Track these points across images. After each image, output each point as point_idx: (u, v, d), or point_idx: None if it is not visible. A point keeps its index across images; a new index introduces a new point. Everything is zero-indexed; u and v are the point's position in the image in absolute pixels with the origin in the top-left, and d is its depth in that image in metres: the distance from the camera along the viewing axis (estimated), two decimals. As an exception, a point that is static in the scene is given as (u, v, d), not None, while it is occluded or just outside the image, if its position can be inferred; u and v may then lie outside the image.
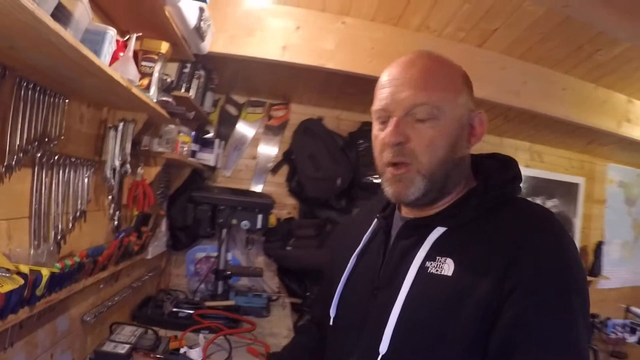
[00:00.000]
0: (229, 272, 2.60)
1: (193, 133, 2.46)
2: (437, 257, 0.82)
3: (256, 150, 3.16)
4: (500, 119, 3.19)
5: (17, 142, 1.15)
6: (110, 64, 1.30)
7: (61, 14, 0.95)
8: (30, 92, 1.17)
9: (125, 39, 1.42)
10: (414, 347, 0.79)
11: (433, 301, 0.79)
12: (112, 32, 1.18)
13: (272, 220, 2.82)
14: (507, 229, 0.79)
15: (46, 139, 1.30)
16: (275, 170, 3.17)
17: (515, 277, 0.73)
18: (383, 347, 0.81)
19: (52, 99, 1.30)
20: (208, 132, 2.93)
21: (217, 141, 2.78)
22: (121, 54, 1.38)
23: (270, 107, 3.19)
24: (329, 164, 3.01)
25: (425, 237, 0.85)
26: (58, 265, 1.30)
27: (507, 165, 0.90)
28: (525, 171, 3.69)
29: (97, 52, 1.14)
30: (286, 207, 3.17)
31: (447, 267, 0.80)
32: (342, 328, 0.96)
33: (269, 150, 3.18)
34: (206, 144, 2.73)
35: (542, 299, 0.72)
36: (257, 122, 3.17)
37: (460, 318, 0.75)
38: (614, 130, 2.91)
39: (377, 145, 0.90)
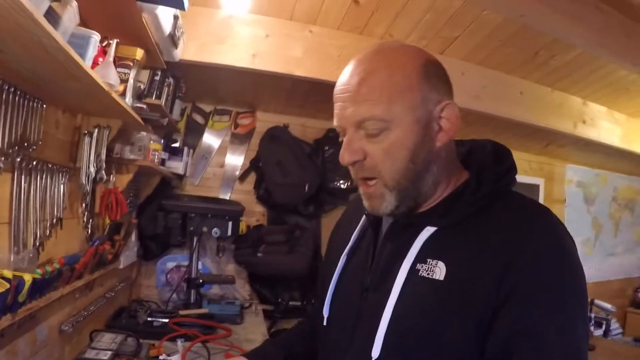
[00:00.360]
0: (201, 280, 2.60)
1: (162, 141, 2.45)
2: (428, 260, 0.78)
3: (223, 158, 3.17)
4: (462, 123, 3.31)
5: (-1, 146, 1.15)
6: (92, 68, 1.31)
7: (51, 17, 0.96)
8: (11, 95, 1.17)
9: (104, 44, 1.43)
10: (407, 353, 0.77)
11: (425, 307, 0.76)
12: (96, 37, 1.19)
13: (242, 227, 2.84)
14: (503, 229, 0.76)
15: (25, 144, 1.30)
16: (242, 178, 3.19)
17: (513, 280, 0.71)
18: (375, 352, 0.78)
19: (31, 104, 1.30)
20: (175, 141, 2.93)
21: (185, 149, 2.78)
22: (100, 59, 1.39)
23: (237, 116, 3.22)
24: (297, 171, 3.05)
25: (415, 238, 0.81)
26: (39, 271, 1.29)
27: (501, 156, 0.86)
28: (485, 174, 3.86)
29: (82, 56, 1.15)
30: (255, 214, 3.19)
31: (439, 270, 0.76)
32: (334, 329, 0.94)
33: (236, 158, 3.20)
34: (175, 152, 2.73)
35: (542, 303, 0.70)
36: (224, 130, 3.19)
37: (454, 324, 0.73)
38: (571, 131, 3.09)
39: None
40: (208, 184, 3.13)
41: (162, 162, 2.49)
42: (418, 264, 0.79)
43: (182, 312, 2.31)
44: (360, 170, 0.82)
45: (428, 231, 0.81)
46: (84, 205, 1.78)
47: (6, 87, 1.14)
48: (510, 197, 0.82)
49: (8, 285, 1.09)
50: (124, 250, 2.25)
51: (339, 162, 0.84)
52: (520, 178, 3.42)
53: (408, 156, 0.79)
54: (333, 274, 0.96)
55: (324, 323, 0.96)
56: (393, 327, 0.78)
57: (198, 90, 2.89)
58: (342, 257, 0.96)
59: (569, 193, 4.36)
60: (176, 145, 2.91)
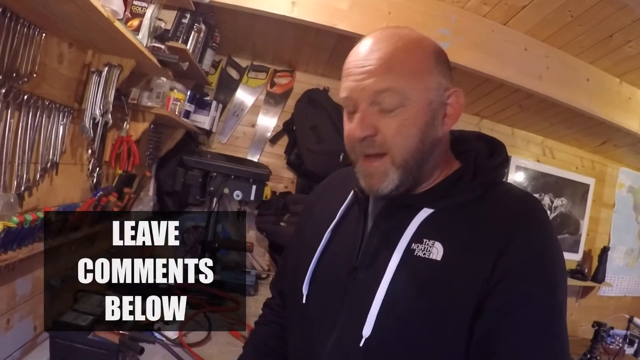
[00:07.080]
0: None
1: (189, 92, 2.27)
2: (425, 240, 0.79)
3: (256, 118, 2.97)
4: (515, 108, 3.00)
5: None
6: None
7: None
8: (-1, 17, 1.00)
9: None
10: (401, 330, 0.77)
11: (422, 285, 0.77)
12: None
13: (267, 192, 2.66)
14: (497, 216, 0.78)
15: (14, 74, 1.13)
16: (274, 140, 2.99)
17: (506, 265, 0.72)
18: (367, 330, 0.78)
19: (25, 30, 1.13)
20: (206, 95, 2.75)
21: (214, 103, 2.59)
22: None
23: (274, 74, 2.99)
24: (333, 138, 2.83)
25: (411, 218, 0.82)
26: (15, 219, 1.14)
27: (495, 149, 0.88)
28: (536, 166, 3.55)
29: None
30: (283, 180, 3.00)
31: (436, 251, 0.78)
32: (316, 308, 0.92)
33: (269, 119, 2.99)
34: (202, 105, 2.53)
35: (530, 289, 0.72)
36: (259, 88, 2.97)
37: (452, 303, 0.74)
38: (636, 130, 2.71)
39: (347, 135, 0.85)
40: (237, 143, 2.94)
41: (187, 114, 2.32)
42: (414, 244, 0.80)
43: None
44: (369, 146, 0.81)
45: (425, 212, 0.82)
46: (89, 151, 1.63)
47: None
48: (502, 187, 0.84)
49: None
50: (136, 204, 2.11)
51: (345, 138, 0.86)
52: (570, 175, 3.09)
53: (418, 135, 0.80)
54: (314, 249, 0.94)
55: (303, 300, 0.93)
56: (387, 306, 0.78)
57: (235, 43, 2.68)
58: (326, 234, 0.94)
59: (619, 198, 3.96)
60: (207, 98, 2.73)
